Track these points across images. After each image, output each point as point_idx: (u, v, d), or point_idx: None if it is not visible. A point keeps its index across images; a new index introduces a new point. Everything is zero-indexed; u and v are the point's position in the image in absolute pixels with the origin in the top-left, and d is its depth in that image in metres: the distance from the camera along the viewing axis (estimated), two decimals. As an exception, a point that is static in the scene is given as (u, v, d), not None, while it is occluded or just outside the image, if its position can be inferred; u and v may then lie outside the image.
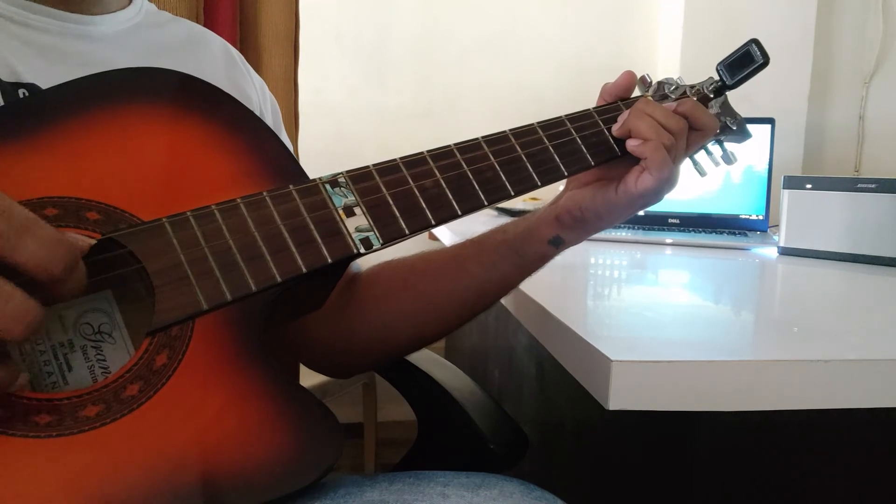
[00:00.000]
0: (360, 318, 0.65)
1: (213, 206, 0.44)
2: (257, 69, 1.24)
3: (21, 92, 0.52)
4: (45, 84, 0.52)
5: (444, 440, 0.74)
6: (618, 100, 0.61)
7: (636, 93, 0.63)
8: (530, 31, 1.93)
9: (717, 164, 0.65)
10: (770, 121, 1.36)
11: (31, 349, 0.43)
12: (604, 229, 0.61)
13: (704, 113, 0.59)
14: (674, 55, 1.83)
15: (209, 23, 1.13)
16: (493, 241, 0.63)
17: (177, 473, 0.39)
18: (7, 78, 0.52)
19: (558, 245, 0.61)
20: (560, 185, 0.63)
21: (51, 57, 0.55)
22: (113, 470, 0.38)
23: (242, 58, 0.72)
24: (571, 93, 1.88)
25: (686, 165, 0.64)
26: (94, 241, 0.39)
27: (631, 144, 0.56)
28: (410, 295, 0.64)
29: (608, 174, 0.59)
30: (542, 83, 1.92)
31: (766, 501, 0.77)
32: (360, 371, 0.73)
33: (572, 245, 0.61)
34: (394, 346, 0.68)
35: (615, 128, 0.58)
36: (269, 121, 0.70)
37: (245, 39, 1.22)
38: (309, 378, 1.36)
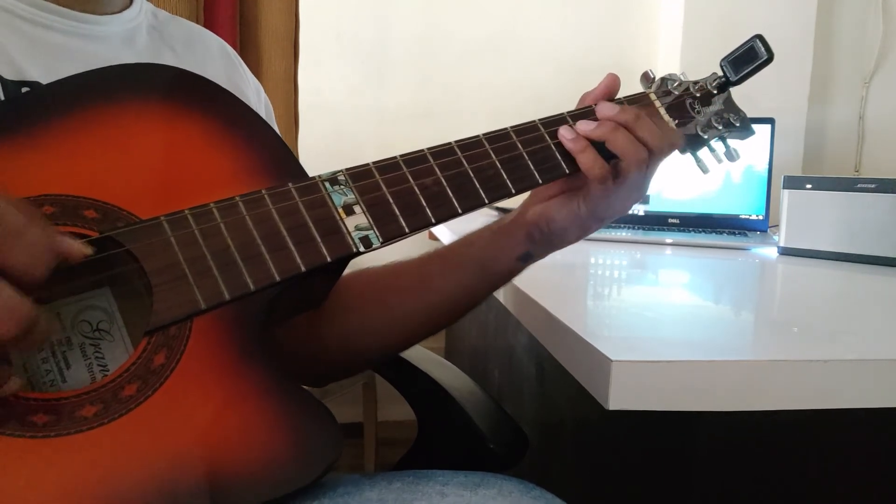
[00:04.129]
0: (328, 327, 0.64)
1: (211, 205, 0.44)
2: (257, 69, 1.24)
3: (24, 90, 0.51)
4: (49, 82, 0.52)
5: (443, 440, 0.74)
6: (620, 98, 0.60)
7: (639, 89, 0.62)
8: (530, 31, 1.93)
9: (720, 160, 0.65)
10: (770, 121, 1.36)
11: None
12: (573, 243, 0.60)
13: (648, 123, 0.56)
14: (674, 55, 1.83)
15: (209, 23, 1.13)
16: (458, 256, 0.62)
17: (175, 474, 0.38)
18: (11, 76, 0.52)
19: (527, 261, 0.60)
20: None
21: (58, 56, 0.55)
22: (110, 470, 0.38)
23: (240, 58, 0.72)
24: (571, 93, 1.87)
25: (689, 162, 0.64)
26: (90, 252, 0.39)
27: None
28: (375, 309, 0.64)
29: (572, 185, 0.58)
30: (542, 83, 1.92)
31: (765, 501, 0.77)
32: (329, 381, 0.73)
33: (539, 259, 0.61)
34: (358, 357, 0.67)
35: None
36: None
37: (245, 39, 1.22)
38: (308, 378, 1.36)
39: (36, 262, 0.36)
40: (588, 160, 0.54)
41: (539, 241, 0.59)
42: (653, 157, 0.55)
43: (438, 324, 0.64)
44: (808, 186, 1.11)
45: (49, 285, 0.37)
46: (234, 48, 0.72)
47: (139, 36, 0.62)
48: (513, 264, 0.60)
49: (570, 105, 0.59)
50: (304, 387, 0.44)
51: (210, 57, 0.67)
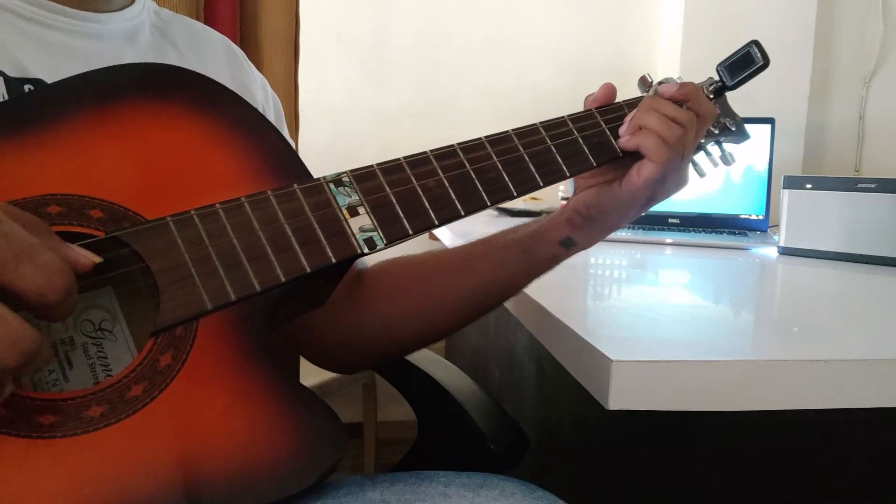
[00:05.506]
0: (365, 315, 0.65)
1: (217, 205, 0.44)
2: (257, 69, 1.24)
3: (27, 87, 0.52)
4: (51, 80, 0.52)
5: (444, 440, 0.74)
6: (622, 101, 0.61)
7: (637, 93, 0.63)
8: (530, 32, 1.93)
9: (715, 164, 0.65)
10: (770, 121, 1.36)
11: None
12: (614, 229, 0.61)
13: (704, 97, 0.60)
14: (674, 55, 1.83)
15: (209, 23, 1.13)
16: (503, 240, 0.63)
17: (182, 474, 0.39)
18: (13, 73, 0.52)
19: (569, 247, 0.61)
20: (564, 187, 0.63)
21: (59, 55, 0.55)
22: (118, 471, 0.38)
23: (244, 54, 0.72)
24: (571, 94, 1.88)
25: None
26: (99, 260, 0.38)
27: (622, 140, 0.57)
28: (416, 294, 0.65)
29: (615, 174, 0.59)
30: (542, 84, 1.92)
31: (765, 502, 0.78)
32: (362, 368, 0.74)
33: (583, 248, 0.62)
34: (396, 345, 0.68)
35: (623, 130, 0.58)
36: (271, 118, 0.70)
37: (245, 39, 1.22)
38: (308, 378, 1.36)
39: (51, 285, 0.34)
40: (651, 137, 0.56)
41: (579, 224, 0.60)
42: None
43: (477, 309, 0.65)
44: (809, 186, 1.11)
45: None
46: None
47: (141, 34, 0.62)
48: (555, 249, 0.61)
49: (569, 105, 0.59)
50: (321, 384, 0.44)
51: (214, 55, 0.67)
